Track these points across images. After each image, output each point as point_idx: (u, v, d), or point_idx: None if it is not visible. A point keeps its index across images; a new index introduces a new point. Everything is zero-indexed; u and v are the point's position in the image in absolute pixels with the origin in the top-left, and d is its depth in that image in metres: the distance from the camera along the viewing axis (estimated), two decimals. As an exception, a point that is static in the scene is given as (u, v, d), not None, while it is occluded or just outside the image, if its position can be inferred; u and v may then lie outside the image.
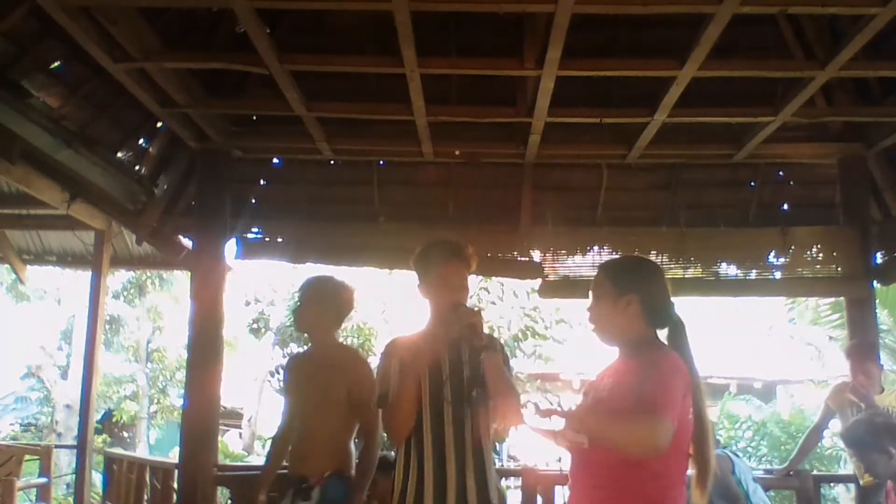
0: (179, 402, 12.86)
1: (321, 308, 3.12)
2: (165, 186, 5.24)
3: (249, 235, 5.23)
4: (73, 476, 6.35)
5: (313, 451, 3.03)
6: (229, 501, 5.34)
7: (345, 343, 3.48)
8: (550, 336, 7.50)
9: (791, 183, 5.40)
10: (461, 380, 2.53)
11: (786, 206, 5.37)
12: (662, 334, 2.10)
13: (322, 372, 3.05)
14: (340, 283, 3.26)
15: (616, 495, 1.91)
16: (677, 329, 2.06)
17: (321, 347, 3.17)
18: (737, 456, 4.29)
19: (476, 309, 2.60)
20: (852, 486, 4.84)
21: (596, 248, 5.20)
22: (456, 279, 2.59)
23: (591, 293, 2.14)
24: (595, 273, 2.18)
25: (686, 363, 1.98)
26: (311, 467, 3.00)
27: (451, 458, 2.47)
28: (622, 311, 2.04)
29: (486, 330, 2.57)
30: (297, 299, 3.23)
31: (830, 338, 10.09)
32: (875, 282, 5.09)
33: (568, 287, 5.14)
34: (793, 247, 5.13)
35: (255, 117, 5.08)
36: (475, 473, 2.48)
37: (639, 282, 2.09)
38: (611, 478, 1.92)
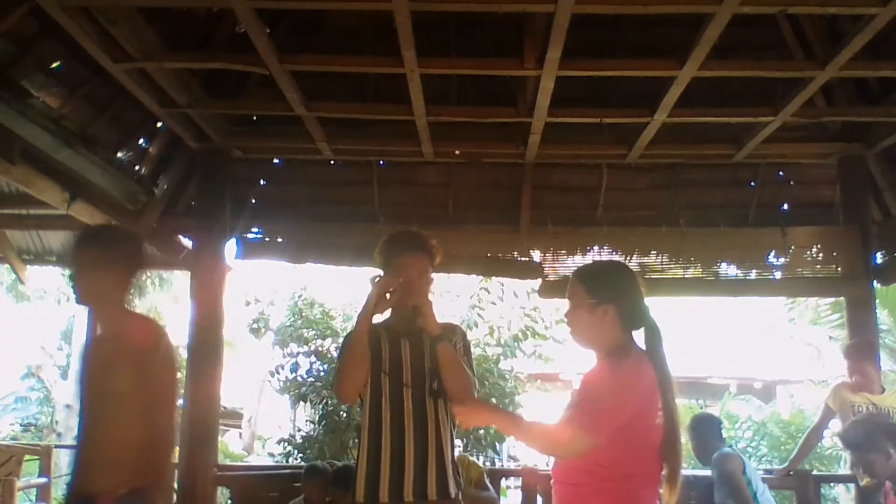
0: (179, 403, 12.84)
1: (101, 269, 2.37)
2: (165, 186, 5.24)
3: (249, 235, 5.24)
4: (73, 476, 6.34)
5: (99, 461, 2.35)
6: (229, 501, 5.34)
7: (141, 314, 2.65)
8: (550, 336, 7.46)
9: (791, 183, 5.41)
10: (422, 369, 2.50)
11: (786, 206, 5.37)
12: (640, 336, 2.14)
13: (106, 354, 2.39)
14: (123, 231, 2.66)
15: (591, 492, 1.97)
16: (653, 333, 2.08)
17: (108, 323, 2.48)
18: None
19: (426, 298, 2.54)
20: (852, 486, 4.84)
21: (596, 248, 5.21)
22: (415, 271, 2.54)
23: (567, 301, 2.13)
24: (570, 279, 2.17)
25: (658, 367, 2.01)
26: (98, 482, 2.32)
27: (410, 449, 2.43)
28: (599, 319, 2.05)
29: (440, 319, 2.55)
30: (71, 264, 2.56)
31: (830, 338, 10.07)
32: (875, 282, 5.09)
33: (568, 287, 5.14)
34: (793, 247, 5.13)
35: (255, 117, 5.08)
36: (436, 464, 2.45)
37: (615, 290, 2.09)
38: (587, 475, 1.97)
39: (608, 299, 2.05)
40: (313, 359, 7.01)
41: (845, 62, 3.69)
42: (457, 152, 5.04)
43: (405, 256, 2.57)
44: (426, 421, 2.47)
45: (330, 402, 6.49)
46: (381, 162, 5.26)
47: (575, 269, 2.30)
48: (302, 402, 7.44)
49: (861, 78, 4.49)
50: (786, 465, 4.80)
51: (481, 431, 6.56)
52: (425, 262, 2.59)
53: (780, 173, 5.37)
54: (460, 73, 4.45)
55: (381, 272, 2.63)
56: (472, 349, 2.75)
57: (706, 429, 4.24)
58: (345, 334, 2.64)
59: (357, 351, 2.47)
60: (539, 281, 5.20)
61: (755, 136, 4.59)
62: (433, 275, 2.66)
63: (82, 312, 7.35)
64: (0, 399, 15.18)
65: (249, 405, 13.78)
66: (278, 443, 7.00)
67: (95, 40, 3.50)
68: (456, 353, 2.50)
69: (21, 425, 14.48)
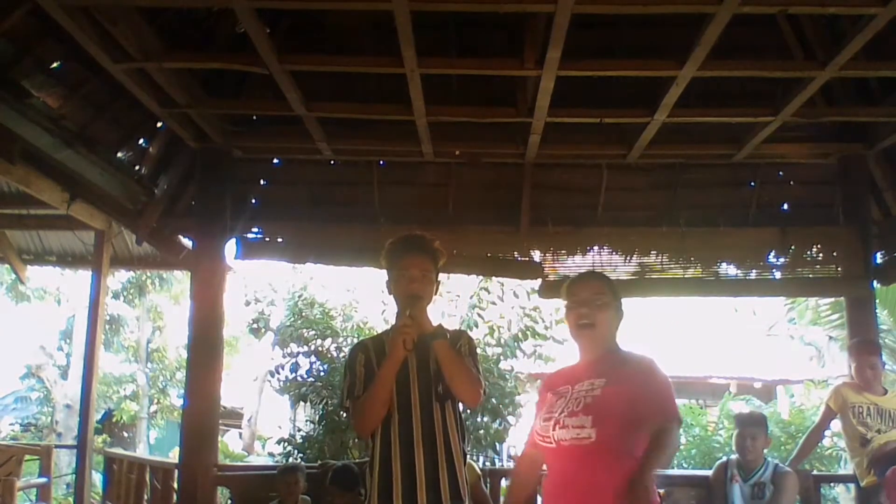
0: (179, 402, 12.87)
1: None
2: (165, 186, 5.24)
3: (249, 235, 5.23)
4: (73, 476, 6.36)
5: None
6: (229, 501, 5.34)
7: None
8: (550, 336, 7.44)
9: (791, 183, 5.40)
10: (428, 375, 2.48)
11: (786, 206, 5.37)
12: None
13: None
14: None
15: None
16: None
17: None
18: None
19: (420, 301, 2.53)
20: (852, 486, 4.84)
21: (596, 248, 5.21)
22: (417, 272, 2.54)
23: (594, 299, 2.32)
24: (593, 281, 2.43)
25: None
26: None
27: (420, 459, 2.41)
28: (619, 319, 2.37)
29: (448, 326, 2.56)
30: None
31: (830, 338, 10.09)
32: (875, 282, 5.09)
33: (568, 287, 5.13)
34: (793, 247, 5.13)
35: (255, 117, 5.08)
36: (447, 469, 2.42)
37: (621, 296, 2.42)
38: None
39: (621, 303, 2.38)
40: (313, 359, 7.00)
41: (845, 62, 3.68)
42: (457, 152, 5.04)
43: (408, 259, 2.56)
44: (434, 427, 2.45)
45: (330, 402, 6.49)
46: (381, 162, 5.26)
47: (594, 273, 2.65)
48: (302, 402, 7.43)
49: (861, 78, 4.49)
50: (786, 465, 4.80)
51: (481, 431, 6.55)
52: (427, 264, 2.58)
53: (780, 173, 5.36)
54: (460, 73, 4.45)
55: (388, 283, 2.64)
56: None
57: None
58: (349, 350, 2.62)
59: (382, 395, 2.46)
60: (539, 281, 5.20)
61: (755, 136, 4.59)
62: (439, 277, 2.65)
63: (82, 313, 7.33)
64: (0, 399, 15.21)
65: (249, 405, 13.80)
66: (278, 443, 7.00)
67: (95, 40, 3.49)
68: (453, 348, 2.48)
69: (21, 425, 14.52)
